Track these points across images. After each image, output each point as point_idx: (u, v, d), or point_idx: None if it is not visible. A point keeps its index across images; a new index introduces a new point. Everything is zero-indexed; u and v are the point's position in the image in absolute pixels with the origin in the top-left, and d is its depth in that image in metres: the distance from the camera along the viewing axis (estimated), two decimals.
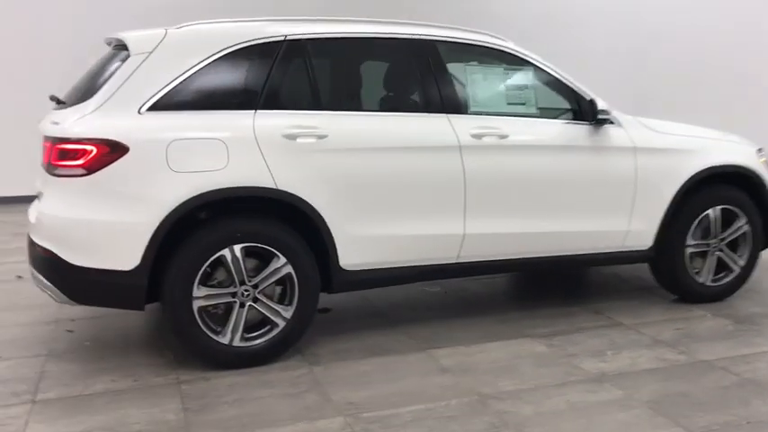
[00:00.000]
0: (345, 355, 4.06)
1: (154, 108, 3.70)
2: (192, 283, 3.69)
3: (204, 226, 3.77)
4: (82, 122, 3.64)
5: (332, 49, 4.19)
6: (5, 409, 3.43)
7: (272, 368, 3.86)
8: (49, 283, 3.73)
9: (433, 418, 3.33)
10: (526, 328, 4.46)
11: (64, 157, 3.61)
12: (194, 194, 3.64)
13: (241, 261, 3.76)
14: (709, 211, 4.78)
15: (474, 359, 4.00)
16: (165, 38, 3.84)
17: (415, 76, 4.26)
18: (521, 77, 4.46)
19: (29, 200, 4.21)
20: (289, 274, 3.86)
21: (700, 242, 4.82)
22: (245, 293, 3.80)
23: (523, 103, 4.44)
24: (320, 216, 3.88)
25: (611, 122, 4.52)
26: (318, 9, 5.70)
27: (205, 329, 3.76)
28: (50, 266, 3.70)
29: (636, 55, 10.61)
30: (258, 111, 3.84)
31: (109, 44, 4.21)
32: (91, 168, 3.57)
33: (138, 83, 3.72)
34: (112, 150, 3.58)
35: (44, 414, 3.40)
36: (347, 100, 4.24)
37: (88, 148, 3.57)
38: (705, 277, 4.86)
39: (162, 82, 3.74)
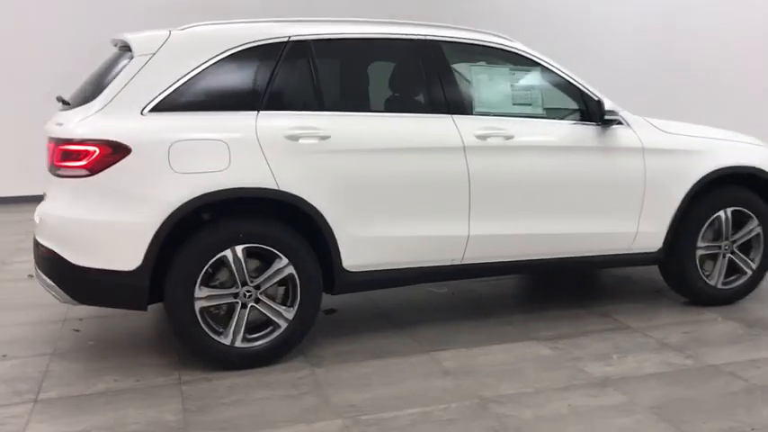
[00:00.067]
0: (348, 356, 4.04)
1: (156, 109, 3.71)
2: (194, 284, 3.69)
3: (206, 227, 3.77)
4: (85, 123, 3.66)
5: (336, 50, 4.17)
6: (7, 408, 3.46)
7: (273, 369, 3.86)
8: (52, 283, 3.75)
9: (431, 421, 3.31)
10: (532, 330, 4.42)
11: (67, 157, 3.63)
12: (196, 195, 3.64)
13: (243, 262, 3.76)
14: (721, 213, 4.71)
15: (477, 362, 3.96)
16: (169, 39, 3.85)
17: (420, 76, 4.23)
18: (527, 78, 4.42)
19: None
20: (291, 275, 3.85)
21: (710, 244, 4.75)
22: (247, 294, 3.80)
23: (530, 104, 4.39)
24: (322, 217, 3.86)
25: (620, 123, 4.46)
26: (320, 9, 5.70)
27: (207, 330, 3.76)
28: (53, 266, 3.72)
29: (652, 54, 10.49)
30: (261, 112, 3.84)
31: (115, 45, 4.23)
32: (93, 169, 3.58)
33: (141, 84, 3.73)
34: (115, 151, 3.59)
35: (45, 413, 3.42)
36: (350, 101, 4.22)
37: (91, 149, 3.58)
38: (716, 280, 4.78)
39: (165, 83, 3.74)
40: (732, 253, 4.80)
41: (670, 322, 4.56)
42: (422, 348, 4.16)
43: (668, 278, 4.87)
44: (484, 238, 4.21)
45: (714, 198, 4.69)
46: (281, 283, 3.89)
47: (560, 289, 5.45)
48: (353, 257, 3.98)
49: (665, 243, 4.63)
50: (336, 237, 3.91)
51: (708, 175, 4.62)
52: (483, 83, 4.34)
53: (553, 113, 4.45)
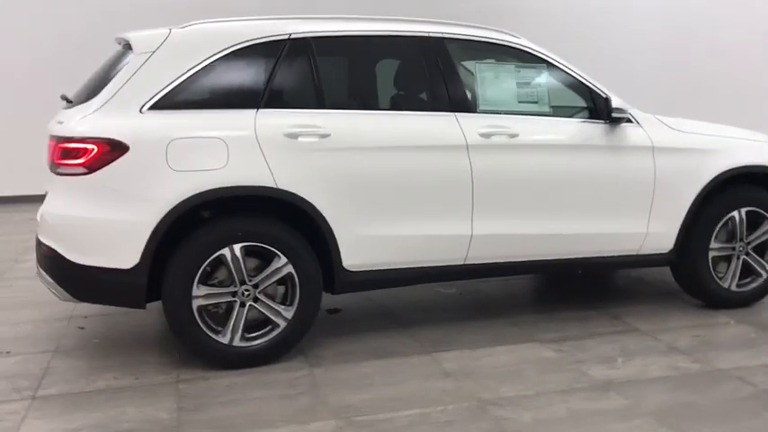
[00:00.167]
0: (349, 357, 4.00)
1: (155, 107, 3.71)
2: (192, 282, 3.68)
3: (205, 225, 3.76)
4: (84, 122, 3.66)
5: (336, 48, 4.14)
6: (5, 404, 3.47)
7: (272, 369, 3.83)
8: (52, 281, 3.77)
9: (428, 423, 3.26)
10: (538, 332, 4.34)
11: (66, 155, 3.64)
12: (193, 193, 3.63)
13: (241, 260, 3.74)
14: (735, 214, 4.59)
15: (479, 363, 3.90)
16: (169, 37, 3.84)
17: (423, 74, 4.18)
18: (533, 75, 4.34)
19: None
20: (290, 274, 3.82)
21: (724, 245, 4.63)
22: (246, 293, 3.78)
23: (536, 102, 4.31)
24: (322, 216, 3.83)
25: (629, 121, 4.37)
26: (322, 8, 5.67)
27: (205, 329, 3.74)
28: (53, 264, 3.73)
29: (664, 52, 10.34)
30: (260, 110, 3.82)
31: (119, 43, 4.24)
32: (92, 167, 3.59)
33: (140, 82, 3.73)
34: (113, 149, 3.59)
35: (42, 410, 3.42)
36: (351, 99, 4.19)
37: (89, 147, 3.59)
38: (729, 282, 4.66)
39: (164, 81, 3.74)
40: (747, 254, 4.68)
41: (681, 325, 4.45)
42: (424, 349, 4.10)
43: (680, 280, 4.76)
44: (488, 237, 4.14)
45: (728, 198, 4.58)
46: (280, 282, 3.87)
47: (571, 290, 5.37)
48: (354, 257, 3.94)
49: (676, 244, 4.52)
50: (336, 236, 3.88)
51: (721, 174, 4.50)
52: (488, 80, 4.27)
53: (560, 111, 4.37)
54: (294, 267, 3.82)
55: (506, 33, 4.38)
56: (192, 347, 3.83)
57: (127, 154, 3.59)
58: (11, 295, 5.35)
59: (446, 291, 5.15)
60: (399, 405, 3.42)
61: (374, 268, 4.01)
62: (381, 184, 3.94)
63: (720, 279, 4.65)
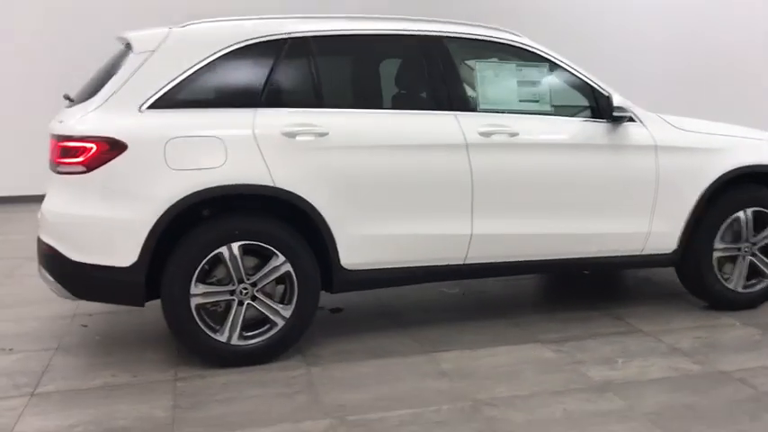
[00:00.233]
0: (347, 356, 4.00)
1: (154, 106, 3.72)
2: (190, 281, 3.69)
3: (203, 223, 3.77)
4: (83, 121, 3.69)
5: (336, 47, 4.14)
6: (4, 401, 3.50)
7: (269, 368, 3.83)
8: (51, 279, 3.80)
9: (420, 423, 3.24)
10: (539, 332, 4.31)
11: (66, 154, 3.67)
12: (191, 192, 3.65)
13: (239, 259, 3.75)
14: (740, 214, 4.53)
15: (476, 363, 3.88)
16: (168, 37, 3.86)
17: (422, 73, 4.17)
18: (534, 74, 4.30)
19: None
20: (288, 273, 3.83)
21: (729, 246, 4.57)
22: (244, 292, 3.79)
23: (537, 101, 4.28)
24: (320, 214, 3.83)
25: (632, 119, 4.32)
26: (325, 7, 5.67)
27: (203, 327, 3.76)
28: (52, 262, 3.76)
29: (670, 51, 10.24)
30: (259, 109, 3.82)
31: (121, 43, 4.26)
32: (90, 166, 3.61)
33: (139, 81, 3.75)
34: (111, 148, 3.61)
35: (39, 407, 3.45)
36: (350, 98, 4.19)
37: (88, 145, 3.62)
38: (735, 283, 4.60)
39: (163, 80, 3.76)
40: (753, 255, 4.61)
41: (684, 326, 4.40)
42: (423, 349, 4.09)
43: (685, 281, 4.70)
44: (488, 237, 4.12)
45: (733, 198, 4.52)
46: (279, 281, 3.88)
47: (575, 290, 5.33)
48: (352, 256, 3.93)
49: (679, 244, 4.47)
50: (334, 234, 3.87)
51: (726, 173, 4.45)
52: (488, 79, 4.24)
53: (562, 110, 4.34)
54: (292, 266, 3.82)
55: (507, 32, 4.35)
56: (190, 346, 3.84)
57: (125, 153, 3.61)
58: (19, 292, 5.39)
59: (450, 291, 5.12)
60: (393, 405, 3.41)
61: (373, 267, 4.00)
62: (380, 182, 3.94)
63: (726, 280, 4.58)
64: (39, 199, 3.93)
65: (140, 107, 3.71)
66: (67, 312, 4.75)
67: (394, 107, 4.21)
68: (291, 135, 3.80)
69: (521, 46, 4.30)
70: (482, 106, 4.17)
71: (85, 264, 3.67)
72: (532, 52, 4.30)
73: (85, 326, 4.55)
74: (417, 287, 4.79)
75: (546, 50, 4.32)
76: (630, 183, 4.32)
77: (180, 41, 3.86)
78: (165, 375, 3.78)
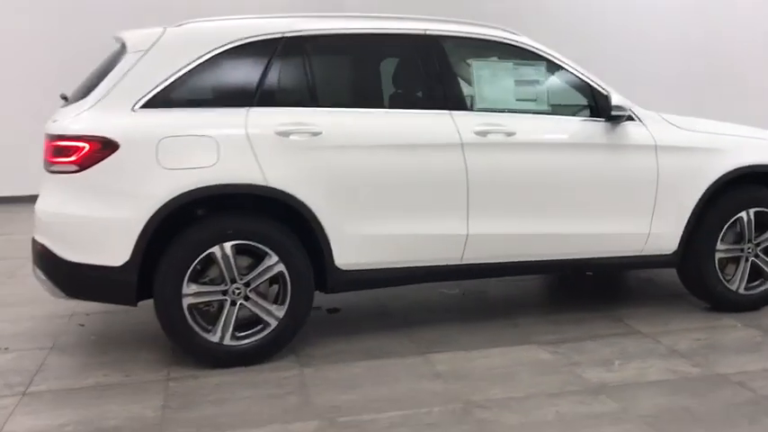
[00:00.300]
0: (341, 356, 3.97)
1: (148, 105, 3.71)
2: (182, 281, 3.68)
3: (195, 223, 3.75)
4: (76, 120, 3.69)
5: (331, 46, 4.12)
6: None
7: (262, 368, 3.81)
8: (45, 278, 3.80)
9: (411, 425, 3.21)
10: (537, 333, 4.26)
11: (59, 153, 3.66)
12: (183, 191, 3.63)
13: (231, 259, 3.72)
14: (743, 214, 4.46)
15: (472, 365, 3.84)
16: (163, 36, 3.85)
17: (418, 72, 4.15)
18: (532, 72, 4.26)
19: None
20: (281, 273, 3.80)
21: (731, 247, 4.50)
22: (237, 291, 3.76)
23: (534, 100, 4.24)
24: (313, 214, 3.80)
25: (631, 119, 4.27)
26: (328, 5, 5.64)
27: (195, 327, 3.74)
28: (46, 261, 3.76)
29: (678, 50, 10.16)
30: (252, 108, 3.80)
31: (118, 42, 4.26)
32: (83, 165, 3.61)
33: (133, 81, 3.74)
34: (104, 147, 3.61)
35: (30, 406, 3.45)
36: (345, 97, 4.16)
37: (80, 144, 3.61)
38: (737, 284, 4.53)
39: (157, 80, 3.75)
40: (756, 256, 4.54)
41: (685, 328, 4.34)
42: (418, 350, 4.05)
43: (686, 282, 4.64)
44: (484, 237, 4.08)
45: (735, 198, 4.45)
46: (273, 280, 3.85)
47: (576, 291, 5.28)
48: (346, 255, 3.90)
49: (680, 245, 4.40)
50: (328, 234, 3.85)
51: (728, 173, 4.38)
52: (485, 78, 4.20)
53: (559, 109, 4.30)
54: (285, 266, 3.80)
55: (505, 30, 4.31)
56: (183, 345, 3.82)
57: (117, 152, 3.60)
58: (21, 292, 5.39)
59: (449, 291, 5.08)
60: (385, 406, 3.38)
61: (367, 267, 3.97)
62: (374, 182, 3.90)
63: (728, 281, 4.52)
64: None
65: (133, 106, 3.70)
66: (65, 312, 4.75)
67: (389, 106, 4.17)
68: (285, 134, 3.78)
69: (518, 45, 4.25)
70: (478, 105, 4.14)
71: (78, 263, 3.66)
72: (530, 51, 4.25)
73: (82, 325, 4.54)
74: (417, 288, 4.75)
75: (544, 49, 4.27)
76: (629, 183, 4.26)
77: (174, 41, 3.85)
78: (157, 375, 3.76)
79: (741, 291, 4.54)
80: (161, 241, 3.69)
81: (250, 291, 3.78)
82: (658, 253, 4.41)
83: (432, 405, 3.38)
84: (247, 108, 3.80)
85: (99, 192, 3.62)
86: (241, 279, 3.77)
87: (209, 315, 3.81)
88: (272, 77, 3.90)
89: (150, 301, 3.80)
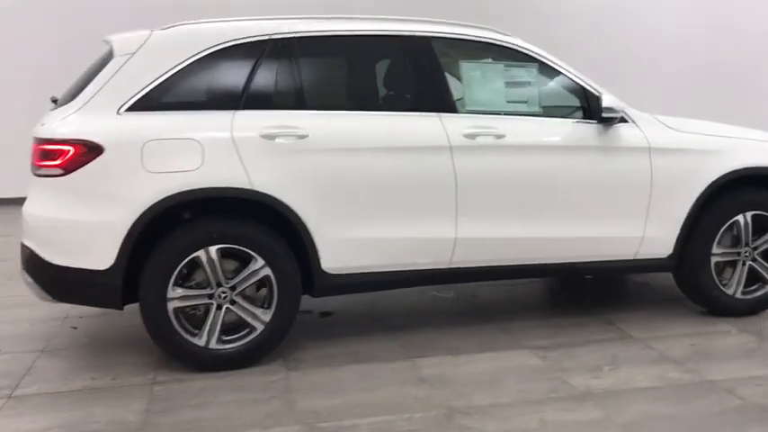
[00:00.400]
0: (328, 360, 3.95)
1: (133, 109, 3.71)
2: (167, 284, 3.67)
3: (181, 226, 3.75)
4: (62, 123, 3.70)
5: (318, 48, 4.09)
6: None
7: (249, 372, 3.80)
8: (32, 281, 3.81)
9: (391, 430, 3.18)
10: (527, 338, 4.22)
11: (45, 157, 3.67)
12: (167, 195, 3.63)
13: (217, 262, 3.72)
14: (739, 217, 4.39)
15: (458, 370, 3.81)
16: (149, 39, 3.85)
17: (406, 74, 4.13)
18: (523, 74, 4.21)
19: None
20: (267, 277, 3.79)
21: (728, 250, 4.43)
22: (222, 295, 3.76)
23: (525, 102, 4.19)
24: (299, 218, 3.79)
25: (624, 120, 4.21)
26: (328, 6, 5.62)
27: (181, 331, 3.73)
28: (32, 265, 3.77)
29: (694, 51, 10.03)
30: (238, 111, 3.79)
31: (107, 45, 4.26)
32: (68, 168, 3.61)
33: (119, 84, 3.75)
34: (89, 151, 3.61)
35: (15, 409, 3.46)
36: (332, 99, 4.14)
37: (65, 148, 3.62)
38: (734, 289, 4.45)
39: (142, 83, 3.75)
40: (753, 260, 4.47)
41: (678, 333, 4.27)
42: (407, 354, 4.02)
43: (683, 286, 4.57)
44: (473, 241, 4.04)
45: (732, 201, 4.38)
46: (261, 284, 3.84)
47: (572, 295, 5.23)
48: (333, 259, 3.88)
49: (675, 249, 4.34)
50: (314, 238, 3.83)
51: (724, 176, 4.31)
52: (474, 80, 4.17)
53: (551, 111, 4.25)
54: (272, 270, 3.78)
55: (496, 32, 4.27)
56: (168, 349, 3.82)
57: (102, 155, 3.61)
58: (18, 294, 5.37)
59: (443, 295, 5.06)
60: (367, 411, 3.35)
61: (355, 271, 3.95)
62: (361, 185, 3.88)
63: (725, 286, 4.44)
64: None
65: (119, 110, 3.70)
66: (60, 314, 4.77)
67: (376, 109, 4.14)
68: (271, 137, 3.77)
69: (509, 46, 4.21)
70: (468, 107, 4.10)
71: (64, 266, 3.67)
72: (521, 52, 4.21)
73: (75, 328, 4.56)
74: (411, 291, 4.71)
75: (535, 50, 4.22)
76: (622, 185, 4.21)
77: (160, 44, 3.85)
78: (144, 379, 3.76)
79: (738, 295, 4.47)
80: (147, 245, 3.70)
81: (236, 294, 3.77)
82: (653, 257, 4.35)
83: (414, 411, 3.35)
84: (233, 111, 3.79)
85: (84, 195, 3.63)
86: (227, 283, 3.76)
87: (195, 319, 3.80)
88: (259, 80, 3.88)
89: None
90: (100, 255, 3.64)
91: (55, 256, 3.67)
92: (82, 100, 3.74)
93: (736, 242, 4.44)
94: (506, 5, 8.93)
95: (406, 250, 3.99)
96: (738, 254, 4.44)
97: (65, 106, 3.81)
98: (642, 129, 4.25)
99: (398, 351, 4.08)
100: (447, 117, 4.01)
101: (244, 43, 3.88)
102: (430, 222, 3.98)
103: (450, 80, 4.13)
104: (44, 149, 3.68)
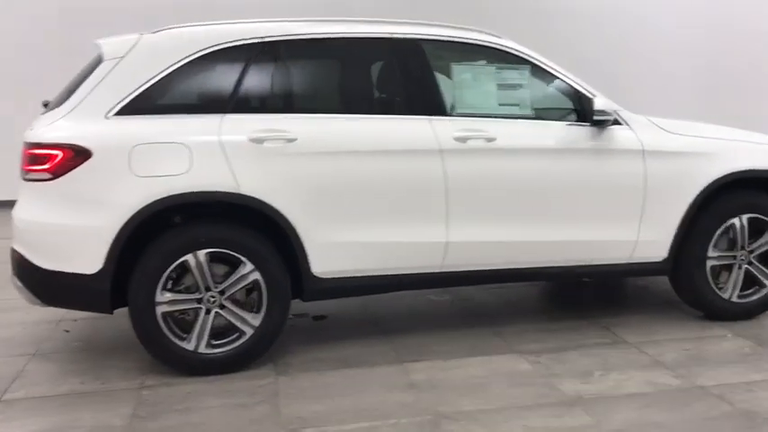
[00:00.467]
0: (318, 365, 3.94)
1: (121, 113, 3.71)
2: (155, 288, 3.67)
3: (169, 231, 3.74)
4: (50, 128, 3.70)
5: (307, 51, 4.07)
6: None
7: (238, 376, 3.79)
8: (21, 285, 3.81)
9: None
10: (519, 342, 4.19)
11: (33, 161, 3.67)
12: (155, 199, 3.62)
13: (205, 266, 3.71)
14: (735, 221, 4.34)
15: (447, 375, 3.78)
16: (138, 43, 3.84)
17: (396, 76, 4.09)
18: (515, 76, 4.18)
19: None
20: (256, 281, 3.78)
21: (724, 254, 4.38)
22: (211, 300, 3.75)
23: (516, 104, 4.16)
24: (288, 222, 3.77)
25: (617, 123, 4.17)
26: (328, 8, 5.60)
27: (169, 335, 3.73)
28: (22, 269, 3.77)
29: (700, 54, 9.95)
30: (226, 115, 3.78)
31: (97, 49, 4.26)
32: (56, 173, 3.61)
33: (107, 88, 3.74)
34: (76, 155, 3.61)
35: (4, 414, 3.46)
36: (321, 102, 4.12)
37: (54, 152, 3.62)
38: (730, 293, 4.41)
39: (131, 87, 3.74)
40: (749, 264, 4.42)
41: (672, 338, 4.23)
42: (399, 358, 4.01)
43: (678, 290, 4.53)
44: (464, 244, 4.02)
45: (727, 204, 4.34)
46: (251, 289, 3.83)
47: (567, 299, 5.20)
48: (323, 263, 3.87)
49: (670, 252, 4.29)
50: (304, 242, 3.81)
51: (719, 179, 4.26)
52: (465, 82, 4.14)
53: (543, 114, 4.21)
54: (261, 274, 3.77)
55: (487, 33, 4.24)
56: (157, 354, 3.81)
57: (90, 160, 3.61)
58: (15, 297, 5.37)
59: (438, 298, 5.03)
60: (352, 417, 3.34)
61: (344, 275, 3.93)
62: (350, 189, 3.86)
63: (720, 289, 4.40)
64: None
65: (107, 114, 3.70)
66: (53, 317, 4.77)
67: (366, 112, 4.10)
68: (259, 141, 3.75)
69: (500, 48, 4.18)
70: (458, 110, 4.08)
71: (52, 271, 3.67)
72: (513, 54, 4.18)
73: (68, 331, 4.57)
74: (404, 295, 4.68)
75: (528, 52, 4.19)
76: (615, 188, 4.17)
77: (149, 48, 3.84)
78: (132, 383, 3.76)
79: (734, 299, 4.43)
80: (136, 249, 3.69)
81: (225, 299, 3.77)
82: (648, 260, 4.31)
83: (400, 416, 3.33)
84: (222, 115, 3.78)
85: (72, 199, 3.63)
86: (216, 287, 3.75)
87: (184, 323, 3.80)
88: (247, 83, 3.87)
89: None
90: (88, 259, 3.63)
91: (43, 260, 3.68)
92: (71, 104, 3.74)
93: (732, 245, 4.39)
94: (506, 5, 8.90)
95: (397, 254, 3.96)
96: (734, 257, 4.40)
97: (54, 110, 3.81)
98: (635, 131, 4.21)
99: (390, 355, 4.06)
100: (437, 120, 3.99)
101: (232, 46, 3.87)
102: (421, 226, 3.96)
103: (441, 83, 4.10)
104: (33, 154, 3.68)
